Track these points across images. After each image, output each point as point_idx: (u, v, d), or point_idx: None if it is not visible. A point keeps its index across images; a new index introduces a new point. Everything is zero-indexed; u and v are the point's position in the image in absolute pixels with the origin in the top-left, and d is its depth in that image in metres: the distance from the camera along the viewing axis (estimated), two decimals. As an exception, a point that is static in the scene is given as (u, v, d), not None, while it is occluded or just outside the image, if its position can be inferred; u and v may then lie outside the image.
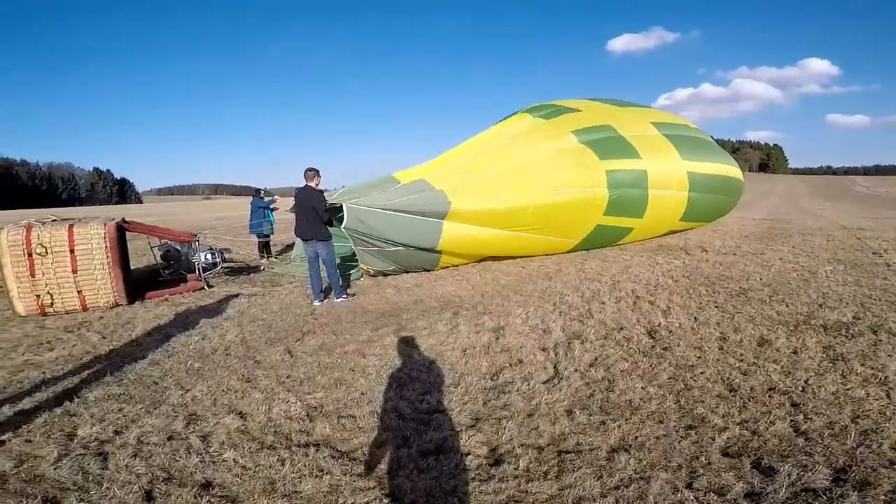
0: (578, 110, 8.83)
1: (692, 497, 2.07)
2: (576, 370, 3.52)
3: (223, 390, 3.32)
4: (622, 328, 4.45)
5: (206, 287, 6.54)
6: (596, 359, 3.73)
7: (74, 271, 5.54)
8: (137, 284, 6.34)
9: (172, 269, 7.06)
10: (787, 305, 4.96)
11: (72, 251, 5.54)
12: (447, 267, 7.42)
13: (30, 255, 5.40)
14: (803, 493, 2.08)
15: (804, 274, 6.37)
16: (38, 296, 5.44)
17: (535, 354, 3.85)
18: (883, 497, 2.02)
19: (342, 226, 6.13)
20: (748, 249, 8.37)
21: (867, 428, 2.59)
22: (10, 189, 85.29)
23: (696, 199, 8.73)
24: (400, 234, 6.42)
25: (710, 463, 2.32)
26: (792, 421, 2.70)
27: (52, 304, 5.49)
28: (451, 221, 6.51)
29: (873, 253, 7.76)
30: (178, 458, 2.49)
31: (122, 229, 6.00)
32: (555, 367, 3.60)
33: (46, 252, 5.43)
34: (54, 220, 5.98)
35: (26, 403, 3.17)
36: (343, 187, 7.10)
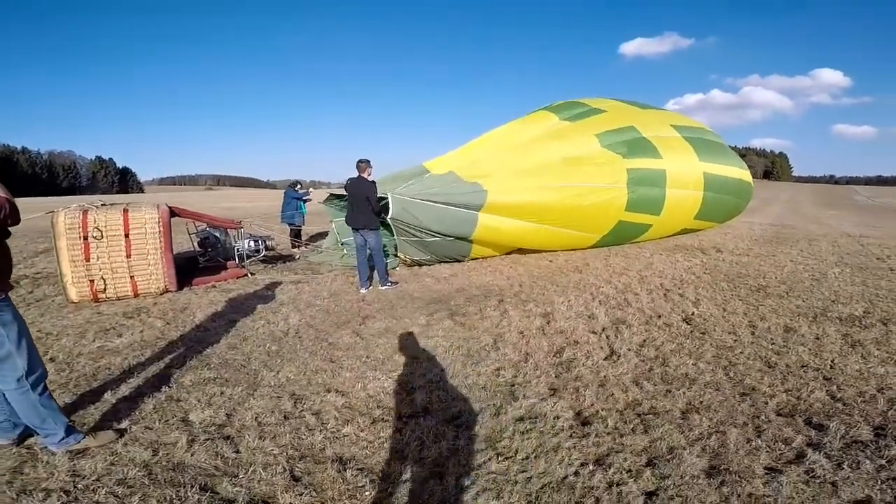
0: (603, 111, 9.36)
1: (765, 445, 2.59)
2: (629, 349, 4.04)
3: (312, 371, 3.70)
4: (660, 315, 5.00)
5: (248, 275, 6.95)
6: (644, 340, 4.26)
7: (128, 256, 5.87)
8: (181, 270, 6.68)
9: (209, 256, 7.42)
10: (803, 300, 5.56)
11: (126, 235, 5.85)
12: (477, 258, 7.93)
13: (85, 238, 5.69)
14: (854, 444, 2.61)
15: (815, 274, 7.01)
16: (91, 281, 5.74)
17: (588, 336, 4.37)
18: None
19: (388, 216, 6.58)
20: (760, 251, 9.03)
21: (892, 397, 3.16)
22: (9, 176, 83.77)
23: (711, 198, 9.38)
24: (439, 224, 6.91)
25: (769, 421, 2.85)
26: (828, 391, 3.25)
27: (104, 289, 5.79)
28: (486, 213, 7.02)
29: (877, 258, 8.45)
30: (302, 437, 2.75)
31: (172, 214, 6.35)
32: (610, 346, 4.12)
33: (102, 236, 5.75)
34: (103, 205, 6.33)
35: (124, 390, 3.38)
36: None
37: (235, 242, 7.33)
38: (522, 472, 2.39)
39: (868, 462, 2.42)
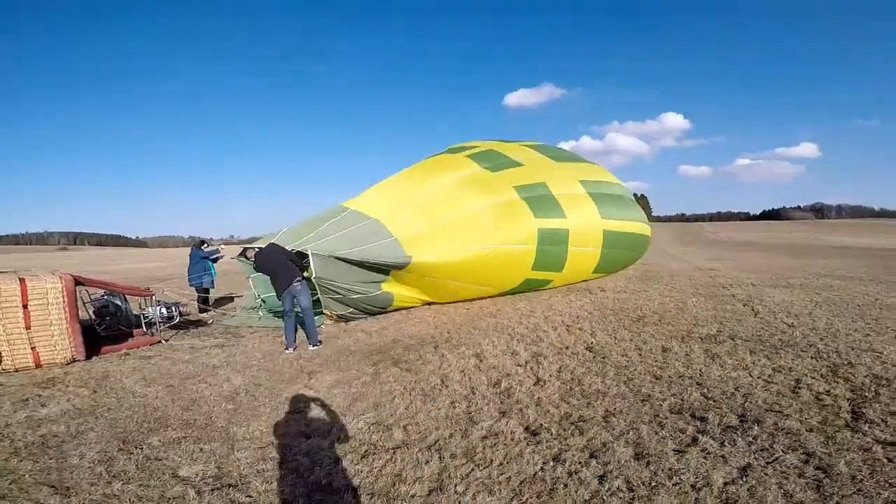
0: (521, 164, 10.34)
1: (668, 435, 3.57)
2: (551, 376, 5.01)
3: (283, 422, 4.05)
4: (567, 347, 6.12)
5: (161, 341, 6.87)
6: (560, 367, 5.28)
7: (28, 327, 5.65)
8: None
9: (108, 324, 7.17)
10: (672, 326, 7.10)
11: (24, 306, 5.65)
12: (400, 309, 8.62)
13: (-23, 311, 5.43)
14: (728, 428, 3.66)
15: (678, 304, 8.82)
16: (-14, 354, 5.45)
17: (516, 369, 5.28)
18: (772, 427, 3.63)
19: (313, 276, 7.00)
20: (635, 288, 10.93)
21: (746, 392, 4.37)
22: None
23: (608, 254, 10.79)
24: (362, 281, 7.49)
25: (666, 417, 3.90)
26: (701, 393, 4.43)
27: (0, 360, 5.52)
28: (407, 273, 7.75)
29: (722, 287, 10.76)
30: (304, 475, 3.22)
31: (76, 283, 6.20)
32: (535, 375, 5.06)
33: (-4, 308, 5.51)
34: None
35: (91, 455, 3.48)
36: (287, 229, 7.94)
37: (143, 309, 7.21)
38: (502, 474, 3.12)
39: (741, 440, 3.44)
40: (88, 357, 6.09)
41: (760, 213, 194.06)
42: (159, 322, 7.14)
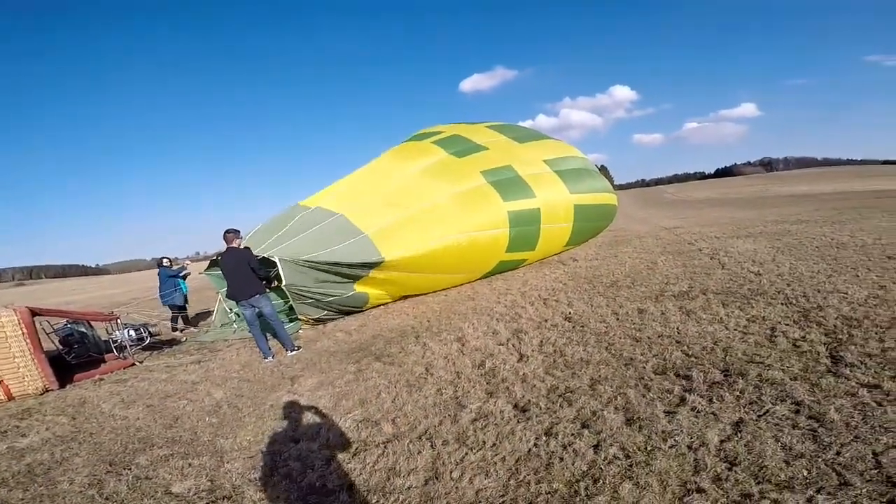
0: (486, 148, 10.13)
1: (656, 397, 3.58)
2: (533, 350, 4.99)
3: (269, 429, 3.95)
4: (546, 320, 6.11)
5: (136, 363, 6.59)
6: (542, 341, 5.27)
7: (-10, 364, 5.35)
8: (55, 369, 6.15)
9: (76, 352, 6.85)
10: (645, 287, 7.18)
11: (-17, 344, 5.35)
12: (376, 306, 8.48)
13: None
14: (714, 384, 3.67)
15: (649, 265, 8.94)
16: (-51, 398, 5.14)
17: (499, 348, 5.24)
18: (756, 378, 3.64)
19: (283, 284, 6.74)
20: (606, 254, 11.06)
21: (725, 346, 4.39)
22: None
23: (579, 227, 10.79)
24: (334, 283, 7.29)
25: (651, 379, 3.91)
26: (682, 351, 4.45)
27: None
28: (381, 271, 7.57)
29: (688, 243, 10.98)
30: (297, 480, 3.17)
31: (34, 314, 5.88)
32: (518, 351, 5.03)
33: (-46, 350, 5.19)
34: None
35: (80, 480, 3.39)
36: (254, 231, 7.68)
37: (111, 334, 6.90)
38: (496, 455, 3.07)
39: (728, 395, 3.44)
40: (62, 385, 5.90)
41: (715, 172, 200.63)
42: (130, 345, 6.84)
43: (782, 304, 5.40)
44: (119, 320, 6.90)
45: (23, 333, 5.56)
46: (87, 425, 4.53)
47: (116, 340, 6.82)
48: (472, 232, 8.54)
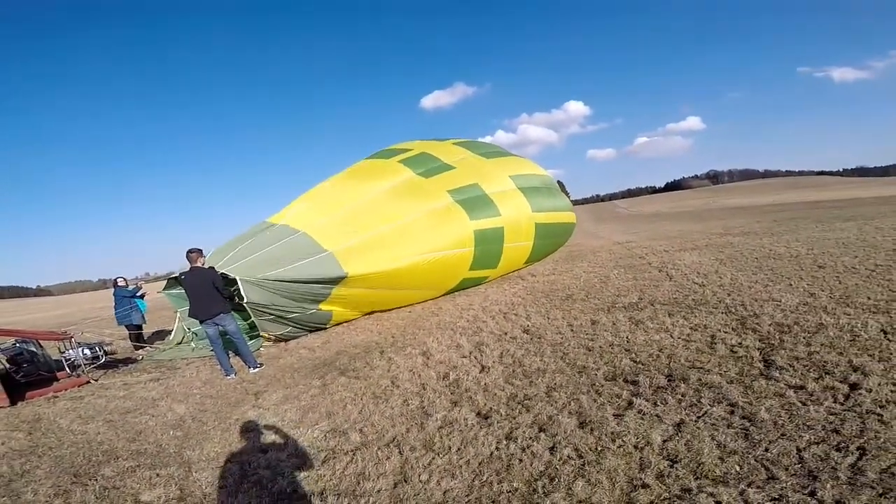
0: (453, 167, 10.17)
1: (606, 401, 3.84)
2: (494, 361, 5.22)
3: (235, 441, 4.01)
4: (506, 333, 6.37)
5: (91, 381, 6.41)
6: (502, 353, 5.50)
7: (-64, 384, 5.13)
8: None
9: (25, 371, 6.59)
10: (598, 299, 7.57)
11: (-72, 365, 5.13)
12: (340, 323, 8.53)
13: None
14: (658, 389, 3.97)
15: (602, 279, 9.39)
16: None
17: (461, 360, 5.44)
18: (696, 383, 3.96)
19: (244, 301, 6.70)
20: (562, 269, 11.50)
21: (669, 353, 4.73)
22: None
23: (539, 245, 11.11)
24: (297, 301, 7.29)
25: (602, 385, 4.19)
26: (630, 358, 4.77)
27: None
28: (345, 287, 7.62)
29: (640, 258, 11.57)
30: (267, 487, 3.25)
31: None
32: (480, 363, 5.24)
33: None
34: None
35: (44, 491, 3.36)
36: (214, 250, 7.60)
37: (63, 352, 6.68)
38: (461, 458, 3.25)
39: (671, 398, 3.73)
40: (13, 403, 5.76)
41: (664, 186, 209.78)
42: (84, 363, 6.64)
43: (723, 312, 5.83)
44: (73, 339, 6.70)
45: (-31, 353, 5.36)
46: (46, 440, 4.45)
47: (69, 359, 6.60)
48: (438, 252, 8.65)
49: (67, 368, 6.60)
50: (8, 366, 6.65)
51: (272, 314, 7.23)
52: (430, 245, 8.59)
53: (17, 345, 6.79)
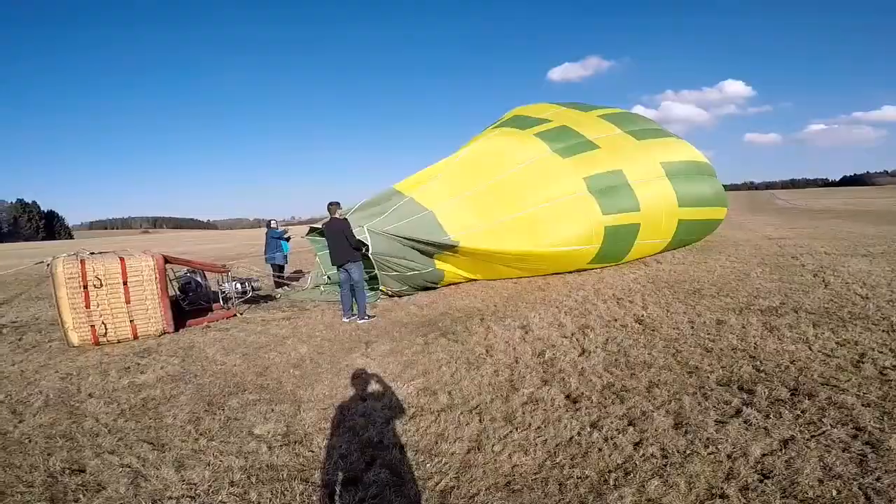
0: (597, 146, 9.23)
1: (711, 406, 3.52)
2: (597, 347, 5.02)
3: (342, 386, 4.38)
4: (616, 319, 6.05)
5: (237, 314, 7.46)
6: (607, 339, 5.26)
7: (128, 301, 6.31)
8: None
9: (190, 300, 7.86)
10: (731, 298, 6.81)
11: (125, 283, 6.29)
12: (449, 285, 8.82)
13: (85, 287, 6.10)
14: (776, 402, 3.55)
15: (740, 275, 8.41)
16: (92, 326, 6.14)
17: (562, 340, 5.32)
18: (824, 401, 3.48)
19: (370, 252, 7.32)
20: (693, 259, 10.49)
21: (801, 366, 4.17)
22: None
23: (675, 242, 10.28)
24: (416, 258, 7.75)
25: (712, 389, 3.83)
26: (753, 365, 4.28)
27: (105, 333, 6.21)
28: (458, 254, 7.89)
29: (792, 257, 10.11)
30: (359, 434, 3.53)
31: (166, 262, 6.83)
32: (581, 346, 5.08)
33: (102, 284, 6.17)
34: (92, 254, 6.73)
35: (182, 416, 3.91)
36: (354, 207, 8.27)
37: (221, 285, 7.82)
38: (539, 437, 3.23)
39: (788, 413, 3.33)
40: (176, 329, 6.70)
41: (840, 179, 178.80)
42: (234, 297, 7.72)
43: (884, 331, 4.95)
44: (230, 273, 7.80)
45: (156, 278, 6.47)
46: (193, 367, 5.21)
47: (224, 292, 7.72)
48: (560, 247, 8.35)
49: (221, 300, 7.73)
50: (178, 293, 7.98)
51: (391, 268, 7.74)
52: (552, 238, 8.31)
53: (188, 274, 8.09)
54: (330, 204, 7.06)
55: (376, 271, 7.83)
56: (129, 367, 5.27)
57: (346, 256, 6.89)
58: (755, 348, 4.73)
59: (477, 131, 11.03)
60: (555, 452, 3.04)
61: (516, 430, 3.36)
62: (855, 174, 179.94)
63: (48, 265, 6.18)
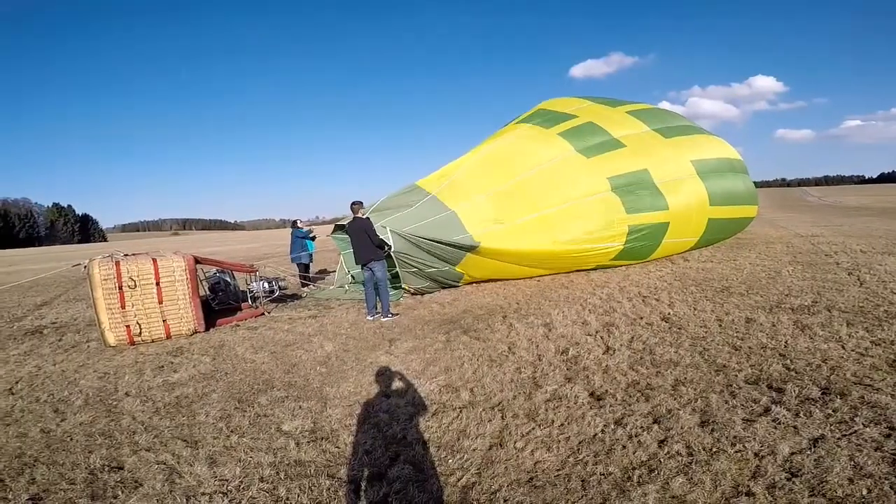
0: (623, 145, 9.04)
1: (739, 404, 3.45)
2: (621, 345, 4.96)
3: (367, 384, 4.43)
4: (642, 317, 5.96)
5: (265, 313, 7.62)
6: (632, 337, 5.19)
7: (161, 302, 6.51)
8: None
9: (220, 299, 8.05)
10: (761, 296, 6.63)
11: (157, 283, 6.49)
12: (470, 283, 8.83)
13: (120, 288, 6.33)
14: (807, 400, 3.45)
15: (771, 273, 8.18)
16: (127, 326, 6.36)
17: (586, 338, 5.27)
18: (857, 400, 3.37)
19: (392, 251, 7.40)
20: (722, 257, 10.24)
21: (833, 365, 4.04)
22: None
23: (703, 241, 10.02)
24: (435, 258, 7.78)
25: (740, 388, 3.74)
26: (783, 364, 4.16)
27: (140, 333, 6.42)
28: (477, 255, 7.87)
29: (825, 255, 9.80)
30: (384, 430, 3.61)
31: (196, 262, 7.02)
32: (605, 344, 5.03)
33: (136, 285, 6.38)
34: (126, 255, 6.96)
35: (214, 413, 4.01)
36: (376, 204, 8.36)
37: (249, 284, 8.00)
38: (561, 434, 3.22)
39: (818, 412, 3.24)
40: (207, 329, 6.88)
41: (878, 176, 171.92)
42: (262, 296, 7.88)
43: (923, 330, 4.75)
44: (257, 273, 7.98)
45: (187, 278, 6.65)
46: (224, 365, 5.34)
47: (252, 291, 7.89)
48: (581, 245, 8.29)
49: (249, 300, 7.90)
50: (209, 293, 8.19)
51: (413, 266, 7.81)
52: (573, 236, 8.25)
53: (217, 274, 8.30)
54: (353, 203, 7.17)
55: (398, 269, 7.90)
56: (163, 366, 5.42)
57: (369, 255, 6.98)
58: (785, 347, 4.61)
59: (499, 128, 10.98)
60: (578, 449, 3.02)
61: (539, 426, 3.35)
62: (894, 171, 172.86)
63: (85, 267, 6.41)
